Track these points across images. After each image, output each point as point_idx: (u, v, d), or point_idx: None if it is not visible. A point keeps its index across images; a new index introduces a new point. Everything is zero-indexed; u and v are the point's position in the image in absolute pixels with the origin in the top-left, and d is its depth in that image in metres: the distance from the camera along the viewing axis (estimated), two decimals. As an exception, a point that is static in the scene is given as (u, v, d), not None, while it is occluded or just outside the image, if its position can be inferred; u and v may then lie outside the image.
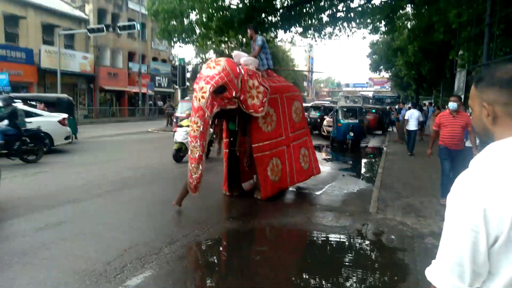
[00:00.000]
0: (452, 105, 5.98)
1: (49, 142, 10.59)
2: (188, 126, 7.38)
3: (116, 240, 4.48)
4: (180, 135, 9.61)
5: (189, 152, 5.66)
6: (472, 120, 1.22)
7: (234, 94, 5.67)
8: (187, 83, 22.14)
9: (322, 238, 4.97)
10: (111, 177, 7.86)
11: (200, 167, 5.55)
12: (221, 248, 4.77)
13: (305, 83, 76.90)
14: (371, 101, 34.40)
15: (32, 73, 23.23)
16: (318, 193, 7.20)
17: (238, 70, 5.80)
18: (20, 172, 8.04)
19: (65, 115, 11.66)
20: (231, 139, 6.76)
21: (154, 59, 36.57)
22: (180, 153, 9.70)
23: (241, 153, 6.59)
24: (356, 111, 15.74)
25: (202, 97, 5.45)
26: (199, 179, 5.58)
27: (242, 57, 6.43)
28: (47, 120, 10.83)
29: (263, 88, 6.09)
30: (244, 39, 18.07)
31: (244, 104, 5.90)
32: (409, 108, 15.34)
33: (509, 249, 0.97)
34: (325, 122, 18.34)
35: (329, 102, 43.21)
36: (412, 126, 12.18)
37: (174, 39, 14.44)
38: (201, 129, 5.47)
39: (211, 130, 6.43)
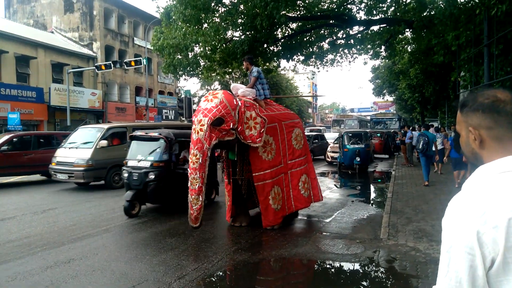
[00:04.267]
0: None
1: None
2: None
3: (126, 276, 4.44)
4: None
5: (189, 184, 5.70)
6: (461, 144, 1.25)
7: (231, 126, 5.79)
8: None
9: (334, 267, 4.89)
10: (120, 211, 7.86)
11: (200, 198, 5.62)
12: (231, 282, 4.70)
13: (310, 110, 77.49)
14: (369, 124, 32.85)
15: (43, 111, 23.79)
16: (327, 220, 7.13)
17: (235, 102, 5.93)
18: (29, 210, 8.10)
19: None
20: (230, 169, 6.81)
21: (161, 92, 37.29)
22: None
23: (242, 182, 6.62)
24: (362, 136, 15.76)
25: (201, 129, 5.60)
26: (199, 210, 5.64)
27: (239, 89, 6.70)
28: None
29: (261, 119, 6.20)
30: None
31: (242, 135, 6.01)
32: (414, 130, 16.42)
33: (507, 271, 0.97)
34: (329, 148, 18.37)
35: (324, 128, 42.28)
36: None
37: (180, 73, 14.77)
38: (200, 161, 5.58)
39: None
